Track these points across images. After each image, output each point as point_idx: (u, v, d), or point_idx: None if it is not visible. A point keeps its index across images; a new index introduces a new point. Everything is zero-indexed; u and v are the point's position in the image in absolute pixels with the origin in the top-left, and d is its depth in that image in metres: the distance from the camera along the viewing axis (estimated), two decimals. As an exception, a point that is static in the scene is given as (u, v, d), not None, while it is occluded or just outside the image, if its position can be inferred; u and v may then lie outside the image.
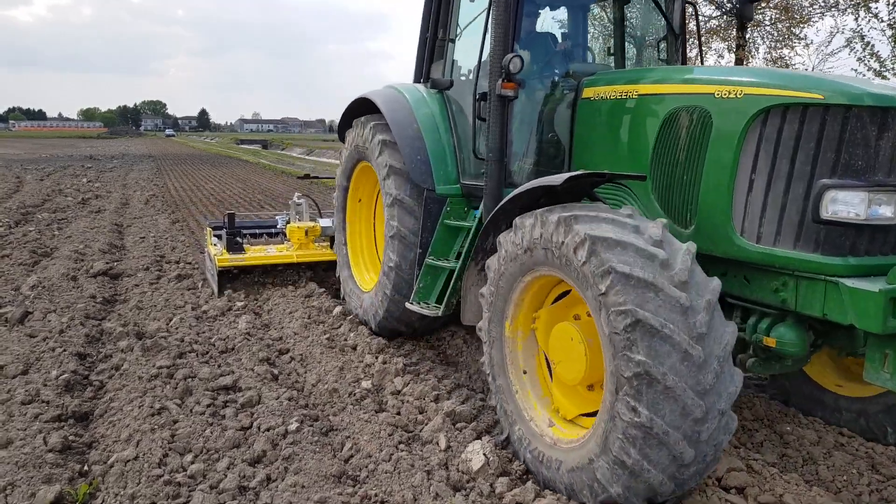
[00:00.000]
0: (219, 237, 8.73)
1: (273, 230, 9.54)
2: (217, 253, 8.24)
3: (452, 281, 5.11)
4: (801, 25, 15.56)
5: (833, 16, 16.59)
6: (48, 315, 7.09)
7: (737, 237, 3.75)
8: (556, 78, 5.50)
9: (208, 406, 4.93)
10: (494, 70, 4.38)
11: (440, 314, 5.19)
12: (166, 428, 4.52)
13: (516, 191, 4.04)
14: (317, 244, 8.72)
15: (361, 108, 6.63)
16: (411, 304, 5.54)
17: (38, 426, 4.55)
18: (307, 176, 15.42)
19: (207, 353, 6.18)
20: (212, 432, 4.50)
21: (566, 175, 3.68)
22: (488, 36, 4.69)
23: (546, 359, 4.08)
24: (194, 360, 5.90)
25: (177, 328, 6.83)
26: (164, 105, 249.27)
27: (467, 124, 5.58)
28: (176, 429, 4.53)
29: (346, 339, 6.30)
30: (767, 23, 16.39)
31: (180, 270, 9.55)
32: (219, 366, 5.82)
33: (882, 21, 13.37)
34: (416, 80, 6.43)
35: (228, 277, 8.32)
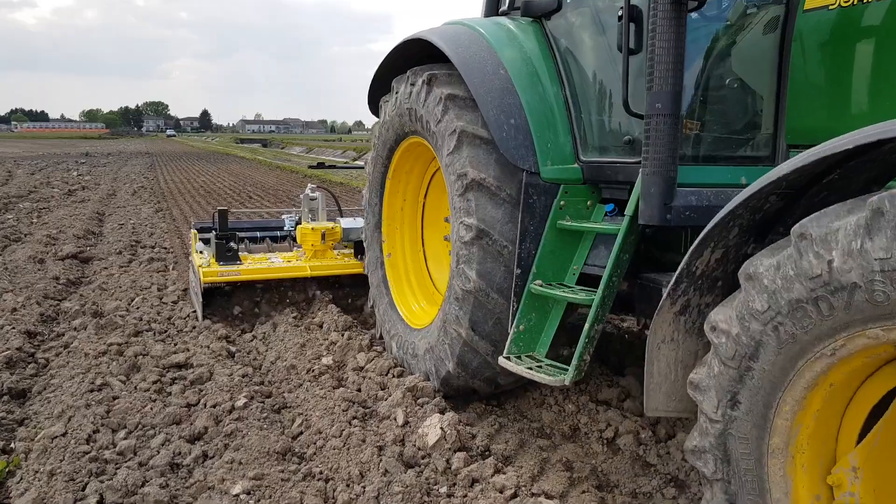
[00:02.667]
0: (206, 242, 6.50)
1: (278, 233, 7.29)
2: (202, 263, 5.99)
3: (588, 325, 3.08)
4: None
5: None
6: (4, 294, 6.74)
7: None
8: None
9: (154, 383, 4.57)
10: None
11: (568, 382, 3.08)
12: (103, 404, 4.17)
13: (781, 170, 1.95)
14: (336, 252, 6.67)
15: (405, 62, 4.57)
16: (508, 359, 3.48)
17: (-35, 402, 4.20)
18: (321, 164, 11.32)
19: (166, 331, 5.82)
20: (152, 409, 4.14)
21: None
22: None
23: None
24: (150, 339, 5.55)
25: (138, 307, 6.47)
26: (167, 106, 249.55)
27: (589, 66, 3.73)
28: (114, 405, 4.17)
29: (313, 317, 5.93)
30: None
31: (153, 254, 9.21)
32: (174, 344, 5.46)
33: None
34: (490, 14, 4.68)
35: (218, 296, 6.14)
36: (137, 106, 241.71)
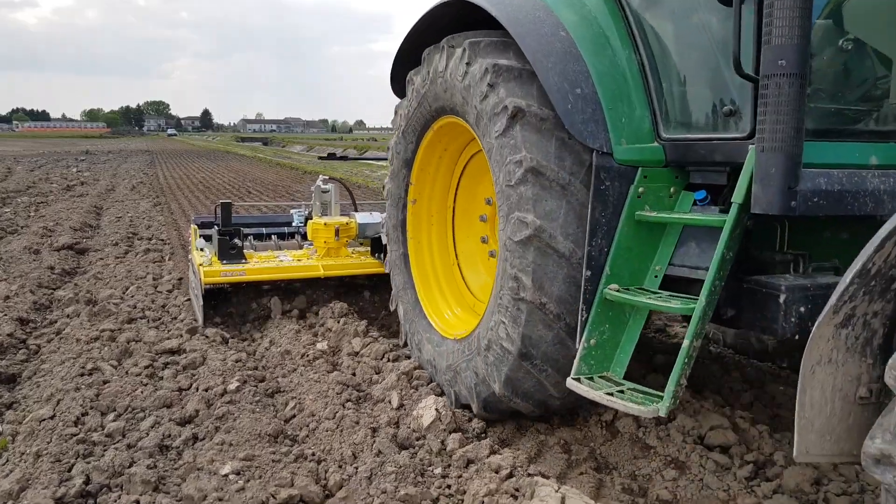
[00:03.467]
0: (208, 238, 5.89)
1: (285, 229, 6.69)
2: (203, 262, 5.36)
3: (688, 341, 2.50)
4: None
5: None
6: (-3, 283, 6.66)
7: None
8: None
9: (146, 367, 4.50)
10: None
11: (663, 413, 2.47)
12: (93, 388, 4.09)
13: None
14: (351, 249, 6.11)
15: (437, 33, 3.88)
16: (577, 380, 2.86)
17: (-48, 385, 4.13)
18: (332, 155, 10.59)
19: (159, 319, 5.75)
20: (142, 392, 4.06)
21: None
22: None
23: None
24: (143, 325, 5.47)
25: (132, 296, 6.39)
26: (168, 105, 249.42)
27: (671, 22, 3.13)
28: (104, 388, 4.10)
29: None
30: None
31: (150, 246, 9.15)
32: (168, 331, 5.39)
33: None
34: None
35: (220, 299, 5.55)
36: (138, 105, 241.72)
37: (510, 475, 2.92)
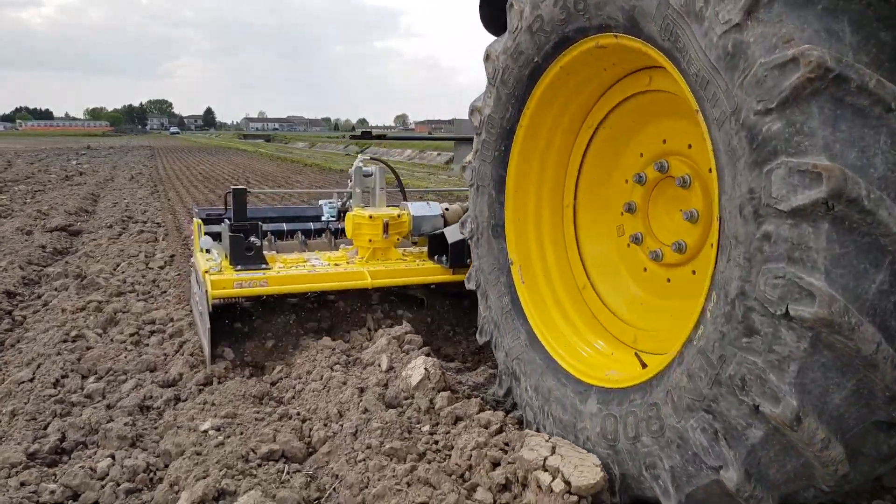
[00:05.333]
0: (216, 237, 4.52)
1: (311, 225, 5.17)
2: (210, 268, 3.97)
3: None
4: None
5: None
6: (-14, 259, 6.56)
7: None
8: None
9: (132, 335, 4.38)
10: None
11: None
12: (76, 352, 3.99)
13: None
14: (403, 250, 4.72)
15: None
16: None
17: (-70, 350, 4.02)
18: (367, 134, 8.03)
19: (149, 293, 5.63)
20: (125, 357, 3.95)
21: None
22: None
23: None
24: (132, 298, 5.35)
25: (123, 271, 6.29)
26: (170, 104, 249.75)
27: None
28: (86, 353, 3.99)
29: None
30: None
31: (144, 228, 9.04)
32: (156, 302, 5.27)
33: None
34: None
35: (234, 318, 4.16)
36: (141, 104, 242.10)
37: (500, 430, 2.79)
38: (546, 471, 2.26)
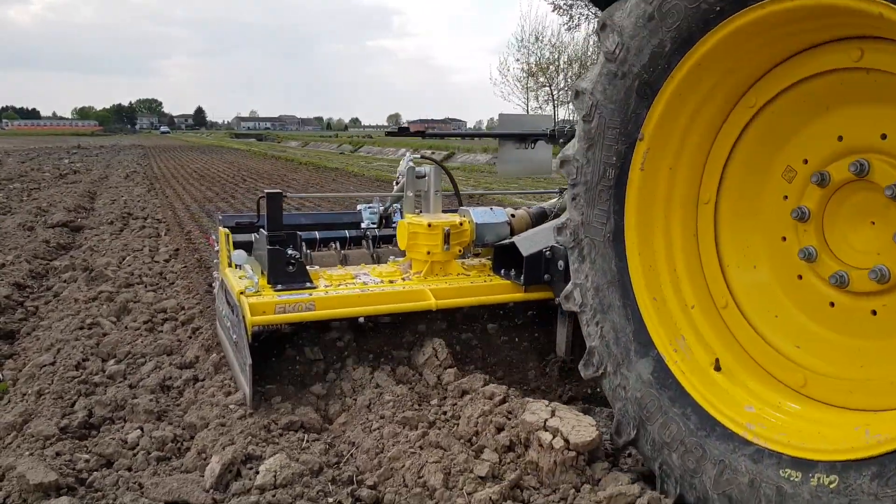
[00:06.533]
0: (247, 248, 3.93)
1: (346, 233, 4.56)
2: (246, 289, 3.35)
3: None
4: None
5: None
6: (-7, 254, 6.70)
7: None
8: None
9: (145, 322, 4.56)
10: None
11: None
12: (93, 338, 4.16)
13: None
14: (463, 262, 4.06)
15: None
16: None
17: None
18: (404, 130, 7.12)
19: (157, 284, 5.80)
20: (142, 341, 4.13)
21: None
22: None
23: None
24: (140, 289, 5.53)
25: (129, 264, 6.45)
26: (160, 103, 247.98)
27: None
28: (103, 339, 4.16)
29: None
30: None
31: (145, 224, 9.20)
32: (165, 293, 5.45)
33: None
34: None
35: (276, 349, 3.52)
36: (131, 103, 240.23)
37: (503, 401, 2.99)
38: (547, 431, 2.46)
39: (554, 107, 41.61)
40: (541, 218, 4.17)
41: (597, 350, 2.59)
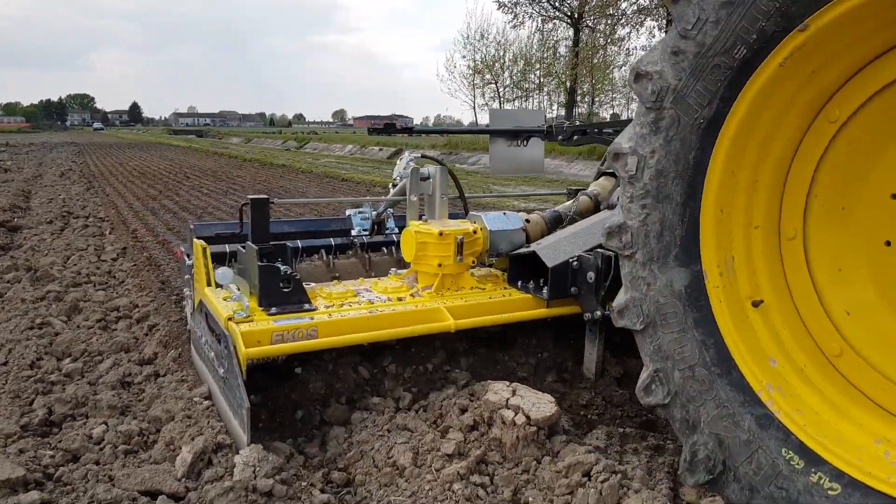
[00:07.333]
0: (229, 262, 3.60)
1: (331, 241, 4.18)
2: (235, 313, 2.84)
3: None
4: None
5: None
6: (-73, 255, 6.42)
7: None
8: None
9: (98, 321, 4.50)
10: None
11: None
12: (45, 338, 4.09)
13: None
14: (475, 273, 3.67)
15: None
16: None
17: None
18: (390, 126, 5.23)
19: (106, 283, 5.70)
20: (98, 339, 4.08)
21: None
22: None
23: None
24: (89, 288, 5.42)
25: (75, 264, 6.29)
26: (93, 99, 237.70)
27: None
28: (56, 338, 4.09)
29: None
30: None
31: (87, 223, 8.94)
32: (116, 292, 5.36)
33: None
34: None
35: (275, 382, 3.14)
36: (61, 99, 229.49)
37: (467, 384, 3.14)
38: (509, 409, 2.61)
39: (500, 104, 42.09)
40: (556, 222, 3.80)
41: (659, 374, 2.26)
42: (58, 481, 2.52)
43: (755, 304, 2.16)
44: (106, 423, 2.96)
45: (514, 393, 2.72)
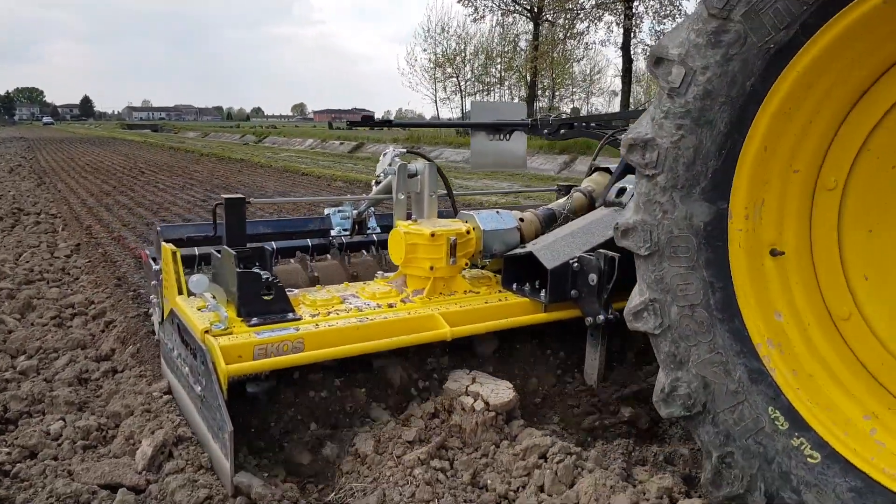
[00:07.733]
0: (189, 264, 3.36)
1: (308, 241, 3.93)
2: (212, 325, 2.60)
3: None
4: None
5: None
6: None
7: None
8: None
9: (53, 318, 4.42)
10: None
11: None
12: (-3, 336, 3.99)
13: None
14: (466, 275, 3.45)
15: None
16: None
17: None
18: (368, 119, 4.67)
19: (60, 280, 5.58)
20: (53, 336, 4.02)
21: None
22: None
23: None
24: (42, 285, 5.30)
25: (27, 261, 6.13)
26: (42, 92, 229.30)
27: None
28: (9, 336, 4.01)
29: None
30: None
31: (39, 219, 8.70)
32: (71, 288, 5.25)
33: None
34: None
35: (258, 407, 2.80)
36: (8, 92, 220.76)
37: (429, 376, 3.20)
38: (468, 395, 2.69)
39: (462, 98, 42.21)
40: (550, 221, 3.64)
41: (684, 384, 2.09)
42: (14, 478, 2.49)
43: (774, 254, 2.03)
44: (64, 419, 2.93)
45: (473, 380, 2.79)
